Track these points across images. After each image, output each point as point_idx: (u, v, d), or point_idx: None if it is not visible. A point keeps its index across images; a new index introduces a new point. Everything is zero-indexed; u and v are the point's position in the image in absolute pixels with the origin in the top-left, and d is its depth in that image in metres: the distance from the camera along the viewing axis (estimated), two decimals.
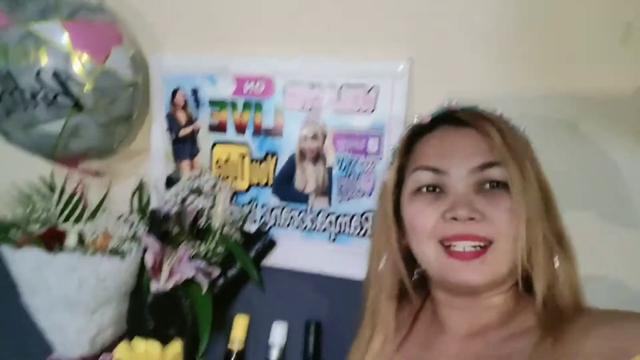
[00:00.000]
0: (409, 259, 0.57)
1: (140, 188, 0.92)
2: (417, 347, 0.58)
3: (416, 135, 0.57)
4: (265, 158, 0.85)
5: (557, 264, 0.50)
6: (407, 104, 0.77)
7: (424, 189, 0.53)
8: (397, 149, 0.58)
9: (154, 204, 0.90)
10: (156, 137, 0.91)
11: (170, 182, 0.90)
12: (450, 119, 0.55)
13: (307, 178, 0.84)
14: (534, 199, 0.50)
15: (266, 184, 0.86)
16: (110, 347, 0.79)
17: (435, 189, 0.53)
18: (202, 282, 0.78)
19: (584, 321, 0.47)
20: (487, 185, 0.51)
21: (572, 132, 0.72)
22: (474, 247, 0.50)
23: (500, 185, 0.51)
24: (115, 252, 0.77)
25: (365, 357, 0.59)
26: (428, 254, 0.53)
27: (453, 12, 0.75)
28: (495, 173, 0.51)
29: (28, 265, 0.71)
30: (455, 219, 0.50)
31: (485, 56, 0.75)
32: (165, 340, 0.77)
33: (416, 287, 0.59)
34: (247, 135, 0.86)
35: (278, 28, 0.83)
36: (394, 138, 0.77)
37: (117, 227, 0.80)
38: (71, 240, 0.76)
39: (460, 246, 0.50)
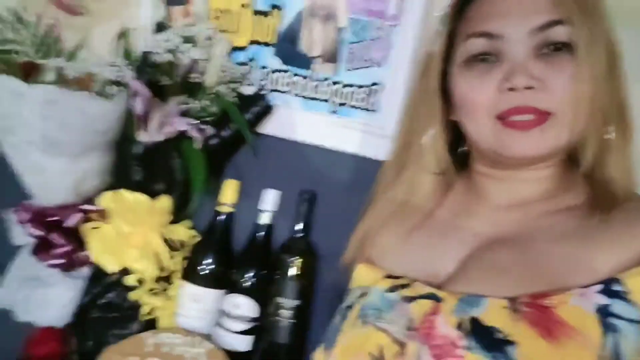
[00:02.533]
0: (452, 135, 0.54)
1: (124, 32, 0.82)
2: (448, 215, 0.57)
3: None
4: (269, 12, 0.77)
5: (611, 135, 0.48)
6: None
7: (477, 59, 0.48)
8: (446, 14, 0.52)
9: (140, 50, 0.81)
10: None
11: (160, 29, 0.81)
12: None
13: (314, 39, 0.77)
14: (600, 62, 0.45)
15: (267, 43, 0.78)
16: (93, 199, 0.76)
17: (490, 58, 0.48)
18: (195, 137, 0.73)
19: (635, 210, 0.46)
20: (549, 49, 0.46)
21: None
22: (530, 118, 0.46)
23: (563, 48, 0.45)
24: (99, 94, 0.71)
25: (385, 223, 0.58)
26: (482, 130, 0.49)
27: None
28: (559, 33, 0.45)
29: (2, 96, 0.64)
30: (512, 89, 0.46)
31: None
32: (151, 195, 0.75)
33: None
34: None
35: None
36: (418, 1, 0.70)
37: (100, 69, 0.72)
38: (49, 75, 0.68)
39: (518, 117, 0.46)
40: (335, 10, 0.74)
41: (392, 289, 0.53)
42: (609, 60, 0.47)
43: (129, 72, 0.72)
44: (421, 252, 0.55)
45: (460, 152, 0.58)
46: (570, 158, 0.52)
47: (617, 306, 0.41)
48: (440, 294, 0.49)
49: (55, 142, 0.67)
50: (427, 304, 0.49)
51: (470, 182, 0.57)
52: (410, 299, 0.50)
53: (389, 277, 0.55)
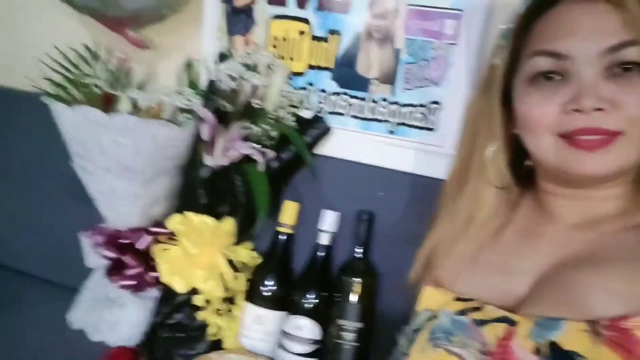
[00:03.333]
0: (513, 148, 0.54)
1: (189, 62, 0.87)
2: (516, 235, 0.55)
3: (535, 13, 0.50)
4: (327, 37, 0.79)
5: None
6: None
7: (542, 77, 0.47)
8: (511, 29, 0.51)
9: (204, 80, 0.85)
10: (209, 7, 0.84)
11: (223, 58, 0.85)
12: None
13: (371, 62, 0.78)
14: None
15: (326, 68, 0.80)
16: (161, 222, 0.79)
17: (555, 77, 0.47)
18: (259, 160, 0.75)
19: None
20: (619, 69, 0.44)
21: None
22: (599, 139, 0.45)
23: (634, 68, 0.44)
24: (170, 122, 0.74)
25: (453, 241, 0.57)
26: (544, 147, 0.48)
27: None
28: (631, 53, 0.44)
29: (83, 125, 0.69)
30: (578, 110, 0.44)
31: None
32: (216, 218, 0.77)
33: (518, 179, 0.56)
34: (309, 10, 0.79)
35: None
36: (475, 21, 0.70)
37: (170, 97, 0.76)
38: (124, 105, 0.73)
39: (586, 137, 0.45)
40: (391, 32, 0.75)
41: (463, 312, 0.51)
42: None
43: (196, 99, 0.75)
44: (491, 274, 0.54)
45: (526, 166, 0.56)
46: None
47: None
48: (514, 317, 0.47)
49: (129, 168, 0.71)
50: (500, 327, 0.47)
51: (538, 200, 0.55)
52: (483, 322, 0.49)
53: (459, 299, 0.54)
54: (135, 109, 0.73)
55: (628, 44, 0.44)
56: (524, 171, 0.56)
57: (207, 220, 0.74)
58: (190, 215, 0.74)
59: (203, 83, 0.82)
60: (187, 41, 0.88)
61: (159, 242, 0.78)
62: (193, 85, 0.84)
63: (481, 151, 0.54)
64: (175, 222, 0.74)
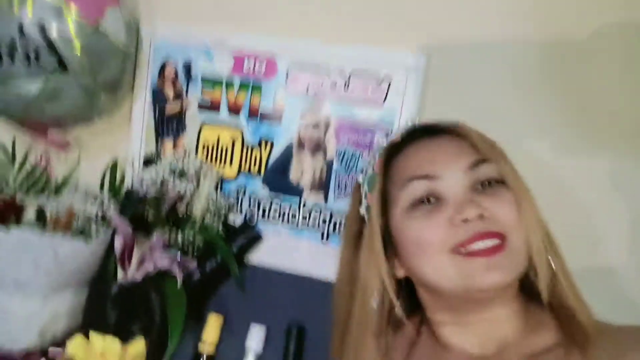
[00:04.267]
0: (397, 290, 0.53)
1: (114, 165, 0.83)
2: None
3: (392, 154, 0.54)
4: (259, 144, 0.78)
5: (553, 263, 0.48)
6: (420, 100, 0.72)
7: (420, 203, 0.49)
8: (376, 174, 0.54)
9: (128, 184, 0.81)
10: (138, 110, 0.82)
11: (150, 162, 0.81)
12: (423, 132, 0.53)
13: (303, 169, 0.77)
14: (528, 191, 0.49)
15: (257, 172, 0.78)
16: (61, 342, 0.69)
17: (431, 200, 0.49)
18: (177, 275, 0.69)
19: (611, 343, 0.45)
20: (482, 185, 0.49)
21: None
22: (493, 243, 0.46)
23: (494, 183, 0.49)
24: (79, 232, 0.68)
25: None
26: (441, 267, 0.48)
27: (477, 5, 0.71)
28: (488, 170, 0.49)
29: None
30: (465, 220, 0.46)
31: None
32: (125, 338, 0.68)
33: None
34: (241, 118, 0.78)
35: (287, 2, 0.77)
36: None
37: (84, 205, 0.70)
38: (29, 215, 0.66)
39: (478, 245, 0.46)
40: (323, 142, 0.75)
41: None
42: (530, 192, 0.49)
43: (112, 207, 0.70)
44: None
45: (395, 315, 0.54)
46: (525, 291, 0.51)
47: None
48: None
49: (26, 285, 0.63)
50: None
51: (434, 337, 0.53)
52: None
53: None
54: (41, 219, 0.66)
55: (483, 161, 0.49)
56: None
57: (113, 344, 0.65)
58: (93, 338, 0.65)
59: (128, 186, 0.77)
60: (114, 141, 0.84)
61: None
62: (115, 189, 0.79)
63: (368, 299, 0.53)
64: (75, 347, 0.65)
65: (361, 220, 0.55)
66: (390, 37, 0.73)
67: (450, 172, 0.49)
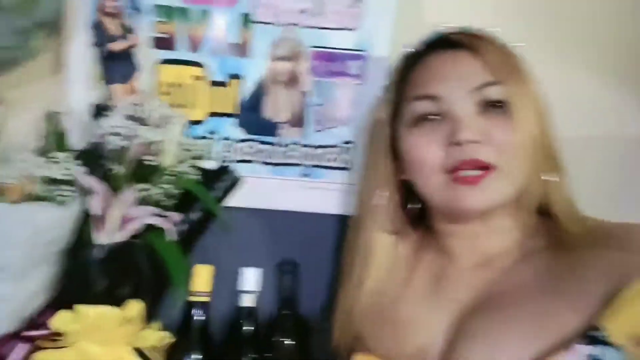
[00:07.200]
0: (404, 194, 0.57)
1: (50, 117, 0.71)
2: (425, 282, 0.56)
3: (409, 65, 0.55)
4: (227, 82, 0.72)
5: (551, 178, 0.51)
6: (395, 23, 0.71)
7: (423, 119, 0.51)
8: (390, 81, 0.56)
9: (75, 139, 0.70)
10: (76, 53, 0.70)
11: (100, 111, 0.71)
12: (443, 42, 0.53)
13: (279, 106, 0.73)
14: (532, 116, 0.50)
15: (229, 114, 0.73)
16: (39, 322, 0.62)
17: (435, 117, 0.50)
18: (167, 228, 0.64)
19: (597, 243, 0.47)
20: (488, 106, 0.50)
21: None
22: (477, 174, 0.48)
23: (501, 106, 0.49)
24: (41, 199, 0.59)
25: (359, 297, 0.57)
26: (432, 185, 0.51)
27: None
28: (495, 92, 0.49)
29: None
30: (459, 143, 0.48)
31: None
32: (113, 304, 0.63)
33: (412, 222, 0.58)
34: (204, 54, 0.71)
35: None
36: (379, 60, 0.71)
37: (36, 167, 0.61)
38: None
39: (465, 172, 0.48)
40: (297, 75, 0.72)
41: None
42: (538, 113, 0.51)
43: (77, 166, 0.61)
44: (407, 328, 0.54)
45: (409, 209, 0.58)
46: (523, 206, 0.53)
47: (605, 353, 0.41)
48: None
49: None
50: None
51: (438, 244, 0.57)
52: None
53: None
54: None
55: (490, 84, 0.49)
56: (422, 216, 0.59)
57: (107, 311, 0.60)
58: (84, 309, 0.59)
59: (73, 142, 0.68)
60: (46, 91, 0.72)
61: (40, 348, 0.61)
62: (60, 146, 0.68)
63: (371, 199, 0.57)
64: (64, 322, 0.59)
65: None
66: None
67: (455, 93, 0.50)
